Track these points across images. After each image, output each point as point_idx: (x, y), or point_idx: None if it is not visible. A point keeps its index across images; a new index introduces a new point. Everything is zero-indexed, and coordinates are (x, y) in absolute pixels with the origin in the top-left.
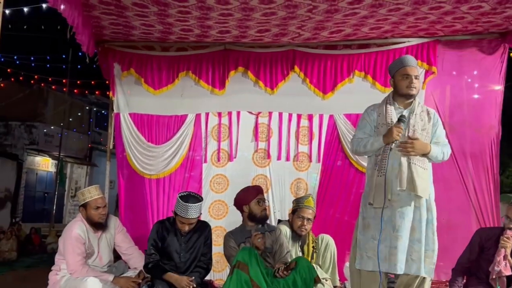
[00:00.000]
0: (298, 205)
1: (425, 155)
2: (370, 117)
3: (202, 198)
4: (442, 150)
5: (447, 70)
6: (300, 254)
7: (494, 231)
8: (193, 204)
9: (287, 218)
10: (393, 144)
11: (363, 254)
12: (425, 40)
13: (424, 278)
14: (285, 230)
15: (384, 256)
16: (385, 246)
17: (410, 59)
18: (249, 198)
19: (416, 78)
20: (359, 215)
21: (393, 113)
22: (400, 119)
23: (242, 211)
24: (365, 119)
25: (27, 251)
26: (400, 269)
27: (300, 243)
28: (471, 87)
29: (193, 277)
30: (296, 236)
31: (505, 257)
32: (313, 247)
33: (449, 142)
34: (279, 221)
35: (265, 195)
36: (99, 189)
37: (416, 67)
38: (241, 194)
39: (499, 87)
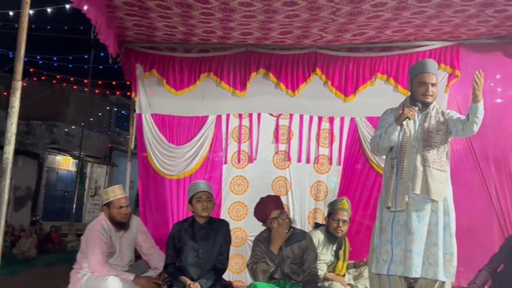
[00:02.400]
0: (333, 208)
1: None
2: (388, 119)
3: None
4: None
5: (471, 73)
6: (333, 259)
7: None
8: (201, 181)
9: (306, 221)
10: (408, 136)
11: (379, 258)
12: (449, 43)
13: (443, 282)
14: (318, 236)
15: (400, 260)
16: (400, 250)
17: (429, 65)
18: (264, 218)
19: (433, 86)
20: (376, 219)
21: None
22: (415, 104)
23: None
24: (384, 119)
25: (47, 249)
26: (416, 272)
27: (335, 248)
28: (494, 91)
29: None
30: (332, 238)
31: None
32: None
33: (471, 146)
34: (316, 225)
35: (284, 197)
36: (122, 188)
37: (434, 74)
38: (256, 213)
39: None
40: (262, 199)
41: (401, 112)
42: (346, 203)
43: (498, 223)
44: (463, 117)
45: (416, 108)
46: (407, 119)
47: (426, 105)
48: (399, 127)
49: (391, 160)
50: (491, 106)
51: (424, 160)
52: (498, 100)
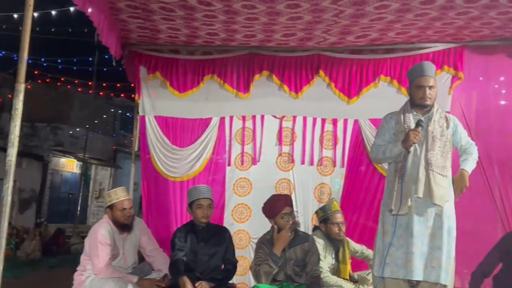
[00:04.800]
0: (326, 214)
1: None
2: (388, 125)
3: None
4: (473, 158)
5: (474, 75)
6: (334, 261)
7: None
8: (202, 185)
9: (309, 223)
10: (412, 148)
11: (381, 260)
12: (452, 45)
13: (445, 286)
14: (319, 241)
15: (401, 262)
16: (402, 253)
17: (426, 68)
18: (274, 212)
19: (430, 88)
20: (379, 222)
21: (411, 120)
22: (418, 124)
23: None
24: (384, 126)
25: (51, 251)
26: (418, 275)
27: (334, 250)
28: (498, 93)
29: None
30: (331, 242)
31: None
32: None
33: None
34: (314, 228)
35: None
36: (126, 190)
37: (431, 77)
38: (266, 207)
39: None
40: (275, 195)
41: (406, 131)
42: (337, 204)
43: (502, 225)
44: (466, 147)
45: (420, 129)
46: (414, 144)
47: (426, 107)
48: (404, 150)
49: (395, 164)
50: (495, 108)
51: (427, 164)
52: (502, 102)
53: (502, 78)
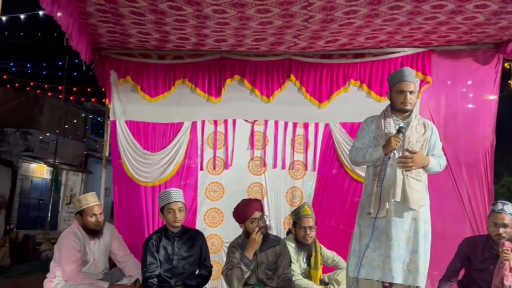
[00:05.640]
0: (297, 217)
1: (423, 167)
2: (368, 128)
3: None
4: (439, 162)
5: (442, 79)
6: (305, 266)
7: (479, 240)
8: (172, 189)
9: (282, 227)
10: (392, 154)
11: (358, 262)
12: (420, 50)
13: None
14: (291, 245)
15: (377, 264)
16: (379, 255)
17: (407, 73)
18: (244, 217)
19: (411, 94)
20: (355, 224)
21: (391, 125)
22: (399, 130)
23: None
24: (364, 129)
25: (21, 258)
26: (395, 278)
27: (306, 255)
28: (466, 96)
29: None
30: (302, 246)
31: (510, 269)
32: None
33: (444, 151)
34: (288, 232)
35: None
36: (95, 196)
37: (412, 82)
38: (236, 212)
39: (493, 97)
40: (245, 200)
41: (388, 137)
42: (308, 209)
43: (470, 227)
44: (436, 155)
45: (401, 135)
46: (394, 150)
47: (406, 112)
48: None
49: (374, 168)
50: (463, 111)
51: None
52: (470, 106)
53: (469, 82)
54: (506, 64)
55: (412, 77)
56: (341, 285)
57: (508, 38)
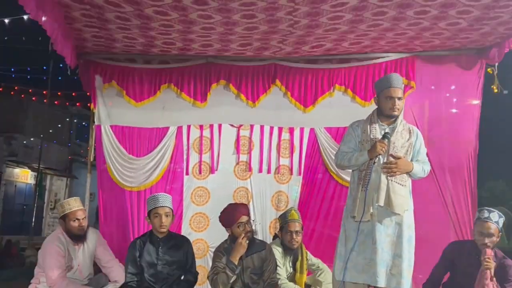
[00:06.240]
0: (284, 221)
1: (407, 172)
2: (355, 132)
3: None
4: (422, 168)
5: (426, 85)
6: (291, 270)
7: (466, 245)
8: (160, 194)
9: (267, 231)
10: (377, 159)
11: (343, 265)
12: (404, 55)
13: None
14: (277, 249)
15: (362, 268)
16: (364, 258)
17: (395, 79)
18: (230, 222)
19: (399, 99)
20: (341, 228)
21: (377, 130)
22: (385, 136)
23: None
24: (350, 134)
25: (5, 264)
26: (379, 282)
27: (292, 259)
28: (450, 101)
29: None
30: (289, 251)
31: (491, 278)
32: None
33: (427, 156)
34: (275, 236)
35: None
36: (79, 201)
37: (400, 88)
38: (223, 216)
39: (476, 102)
40: (231, 204)
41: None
42: (295, 213)
43: (454, 231)
44: (420, 161)
45: (386, 141)
46: (380, 155)
47: (393, 117)
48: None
49: (359, 172)
50: (446, 116)
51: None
52: (454, 111)
53: (453, 87)
54: (489, 70)
55: (400, 83)
56: (323, 285)
57: (491, 44)
